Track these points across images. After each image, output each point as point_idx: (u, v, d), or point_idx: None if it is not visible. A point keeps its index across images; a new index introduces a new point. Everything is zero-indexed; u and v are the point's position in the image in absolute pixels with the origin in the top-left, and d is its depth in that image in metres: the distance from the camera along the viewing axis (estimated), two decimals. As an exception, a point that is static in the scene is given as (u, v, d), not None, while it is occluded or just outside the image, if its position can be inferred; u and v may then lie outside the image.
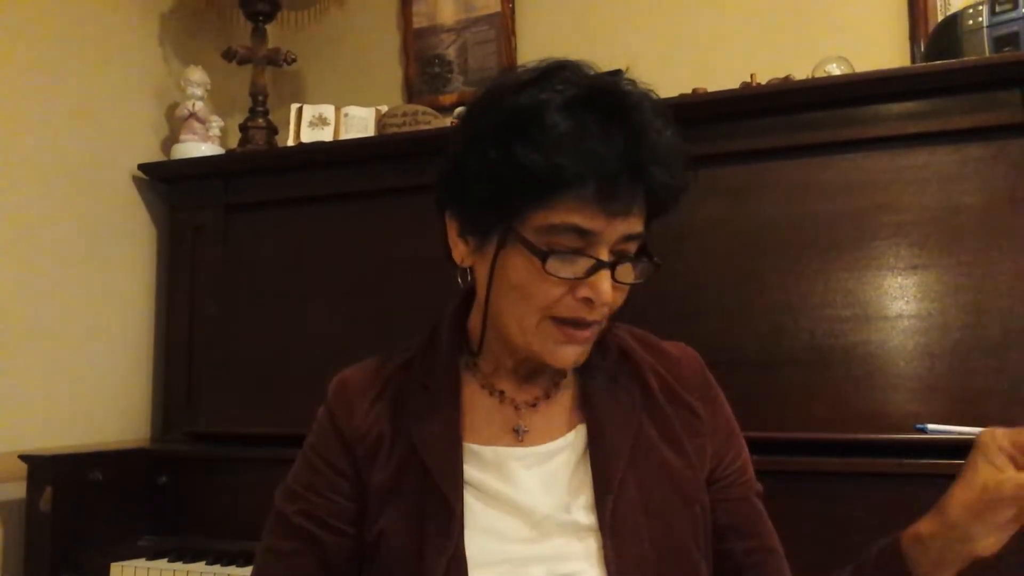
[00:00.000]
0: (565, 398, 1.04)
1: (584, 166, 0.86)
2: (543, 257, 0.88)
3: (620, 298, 0.94)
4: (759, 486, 1.08)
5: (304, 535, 0.99)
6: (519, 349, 0.97)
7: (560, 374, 1.05)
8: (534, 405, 1.03)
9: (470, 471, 0.97)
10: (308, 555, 0.99)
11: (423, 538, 0.92)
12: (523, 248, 0.90)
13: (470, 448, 0.98)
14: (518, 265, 0.92)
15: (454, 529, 0.92)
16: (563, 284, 0.90)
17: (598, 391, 1.02)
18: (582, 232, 0.89)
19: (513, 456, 0.98)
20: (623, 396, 1.02)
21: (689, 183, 0.96)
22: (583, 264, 0.89)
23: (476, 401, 1.03)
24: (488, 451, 0.98)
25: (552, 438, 1.00)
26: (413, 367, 1.05)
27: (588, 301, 0.90)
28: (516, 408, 1.02)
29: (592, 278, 0.89)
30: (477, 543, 0.93)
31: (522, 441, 1.00)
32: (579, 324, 0.92)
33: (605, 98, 0.90)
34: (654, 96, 0.95)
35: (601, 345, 1.03)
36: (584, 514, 0.95)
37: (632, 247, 0.93)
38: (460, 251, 0.99)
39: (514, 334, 0.95)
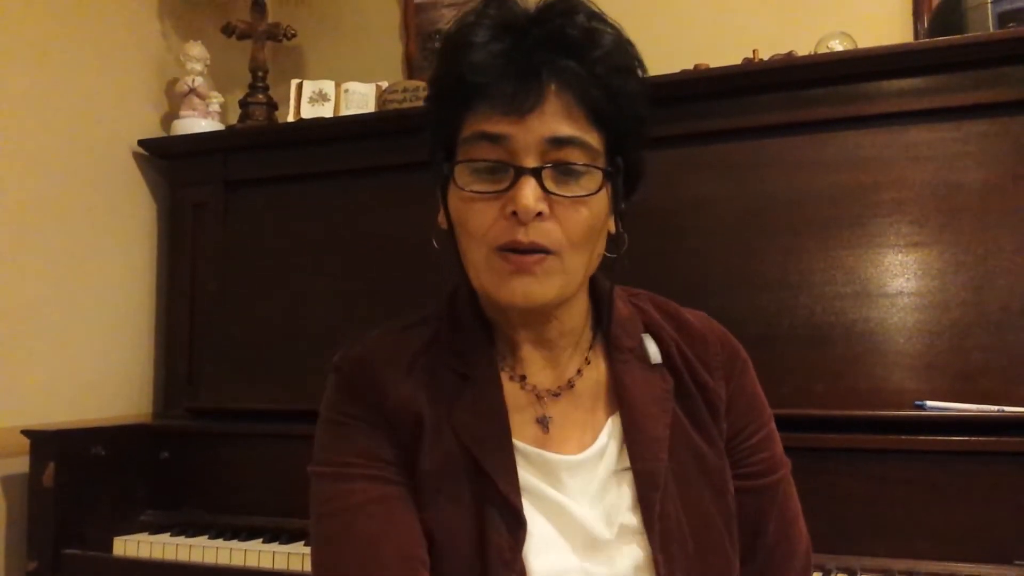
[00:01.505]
0: (593, 384, 0.96)
1: (481, 70, 0.84)
2: (452, 172, 0.87)
3: (574, 219, 0.85)
4: (783, 468, 1.00)
5: (367, 478, 0.88)
6: (488, 301, 0.92)
7: (580, 357, 0.97)
8: (557, 395, 0.94)
9: (521, 472, 0.89)
10: (394, 499, 0.88)
11: (485, 547, 0.85)
12: (451, 178, 0.88)
13: (517, 446, 0.90)
14: (454, 199, 0.88)
15: (520, 539, 0.85)
16: (491, 204, 0.85)
17: (628, 376, 0.94)
18: (492, 138, 0.84)
19: (562, 466, 0.90)
20: (655, 380, 0.94)
21: (618, 78, 0.87)
22: (505, 177, 0.84)
23: (507, 391, 0.94)
24: (534, 453, 0.90)
25: (587, 437, 0.92)
26: (439, 347, 0.95)
27: (515, 215, 0.83)
28: (539, 396, 0.94)
29: (513, 188, 0.83)
30: (536, 554, 0.86)
31: (548, 432, 0.92)
32: (519, 248, 0.84)
33: (512, 7, 0.88)
34: (592, 6, 0.89)
35: (629, 322, 0.98)
36: (629, 515, 0.89)
37: (572, 156, 0.85)
38: (441, 215, 0.94)
39: (476, 283, 0.89)
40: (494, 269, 0.86)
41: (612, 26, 0.89)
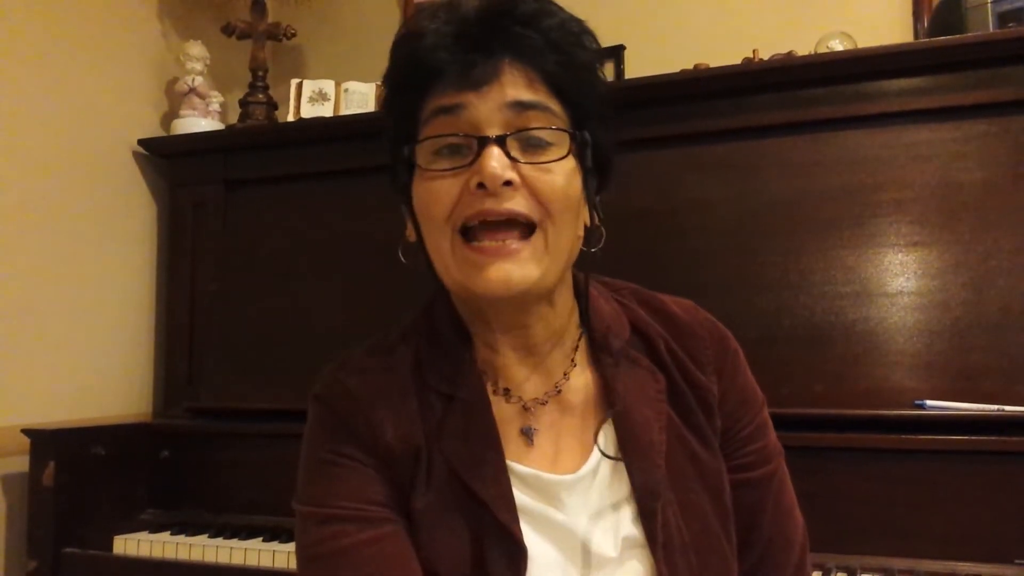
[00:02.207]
0: (583, 390, 0.92)
1: (433, 47, 0.82)
2: (412, 149, 0.83)
3: (548, 186, 0.81)
4: (777, 458, 0.97)
5: (360, 519, 0.84)
6: (458, 293, 0.88)
7: (565, 360, 0.92)
8: (544, 403, 0.90)
9: (518, 495, 0.85)
10: (387, 538, 0.84)
11: None
12: (414, 168, 0.84)
13: (511, 467, 0.86)
14: (417, 190, 0.84)
15: (521, 568, 0.81)
16: (454, 182, 0.80)
17: (618, 379, 0.90)
18: (449, 109, 0.81)
19: (562, 486, 0.86)
20: (647, 382, 0.90)
21: (572, 47, 0.84)
22: (469, 152, 0.80)
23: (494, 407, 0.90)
24: (529, 474, 0.86)
25: (583, 450, 0.89)
26: (423, 369, 0.90)
27: (483, 188, 0.78)
28: (525, 408, 0.90)
29: (478, 160, 0.79)
30: None
31: (532, 445, 0.88)
32: (489, 226, 0.80)
33: (463, 2, 0.85)
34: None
35: (614, 322, 0.93)
36: (630, 527, 0.86)
37: (536, 121, 0.81)
38: (409, 228, 0.91)
39: (448, 280, 0.85)
40: (465, 261, 0.81)
41: (560, 7, 0.86)
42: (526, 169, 0.80)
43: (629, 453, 0.87)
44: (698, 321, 0.96)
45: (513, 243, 0.80)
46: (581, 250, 0.89)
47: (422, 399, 0.88)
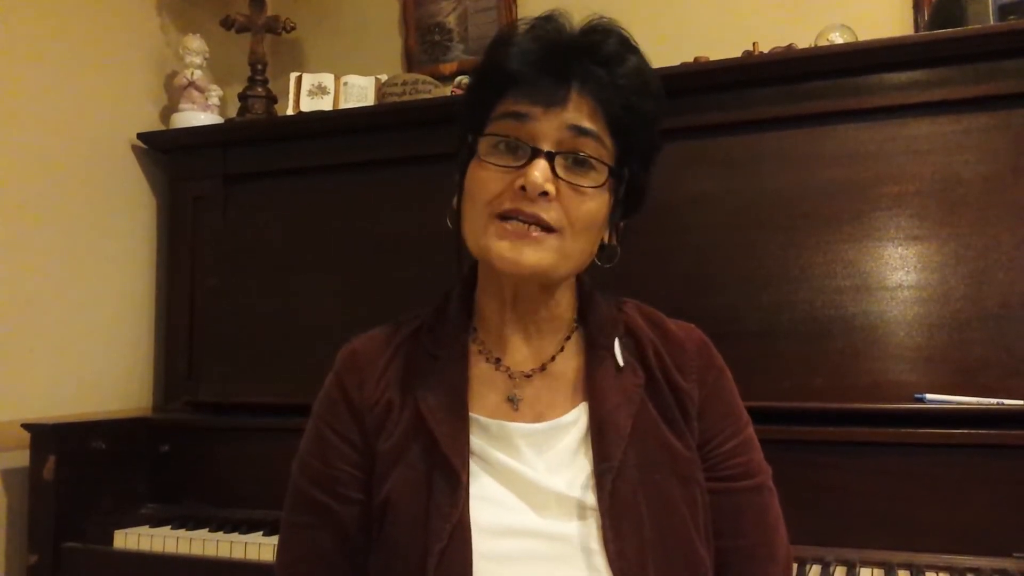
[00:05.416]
0: (567, 372, 1.03)
1: (518, 61, 0.95)
2: (476, 141, 0.96)
3: (577, 207, 0.94)
4: (762, 475, 1.03)
5: (318, 508, 1.00)
6: (481, 261, 0.98)
7: (558, 343, 1.04)
8: (529, 376, 1.02)
9: (476, 441, 0.97)
10: (323, 527, 1.00)
11: (429, 504, 0.93)
12: (473, 153, 0.97)
13: (476, 419, 0.99)
14: (470, 172, 0.97)
15: (459, 497, 0.92)
16: (502, 177, 0.93)
17: (602, 369, 1.01)
18: (517, 116, 0.94)
19: (519, 433, 0.98)
20: (627, 374, 1.01)
21: (637, 96, 0.97)
22: (522, 155, 0.93)
23: (478, 370, 1.03)
24: (494, 424, 0.98)
25: (554, 414, 1.00)
26: (422, 335, 1.05)
27: (523, 190, 0.91)
28: (511, 377, 1.02)
29: (527, 166, 0.92)
30: (481, 512, 0.93)
31: (517, 410, 1.00)
32: (519, 216, 0.92)
33: (560, 20, 0.99)
34: (622, 30, 1.00)
35: (609, 322, 1.04)
36: (585, 492, 0.95)
37: (587, 148, 0.94)
38: (456, 201, 1.03)
39: (472, 245, 0.97)
40: (491, 233, 0.93)
41: (639, 54, 0.99)
42: (564, 186, 0.93)
43: (596, 430, 0.97)
44: (690, 338, 1.06)
45: (536, 232, 0.92)
46: (596, 265, 1.02)
47: (412, 359, 1.03)
